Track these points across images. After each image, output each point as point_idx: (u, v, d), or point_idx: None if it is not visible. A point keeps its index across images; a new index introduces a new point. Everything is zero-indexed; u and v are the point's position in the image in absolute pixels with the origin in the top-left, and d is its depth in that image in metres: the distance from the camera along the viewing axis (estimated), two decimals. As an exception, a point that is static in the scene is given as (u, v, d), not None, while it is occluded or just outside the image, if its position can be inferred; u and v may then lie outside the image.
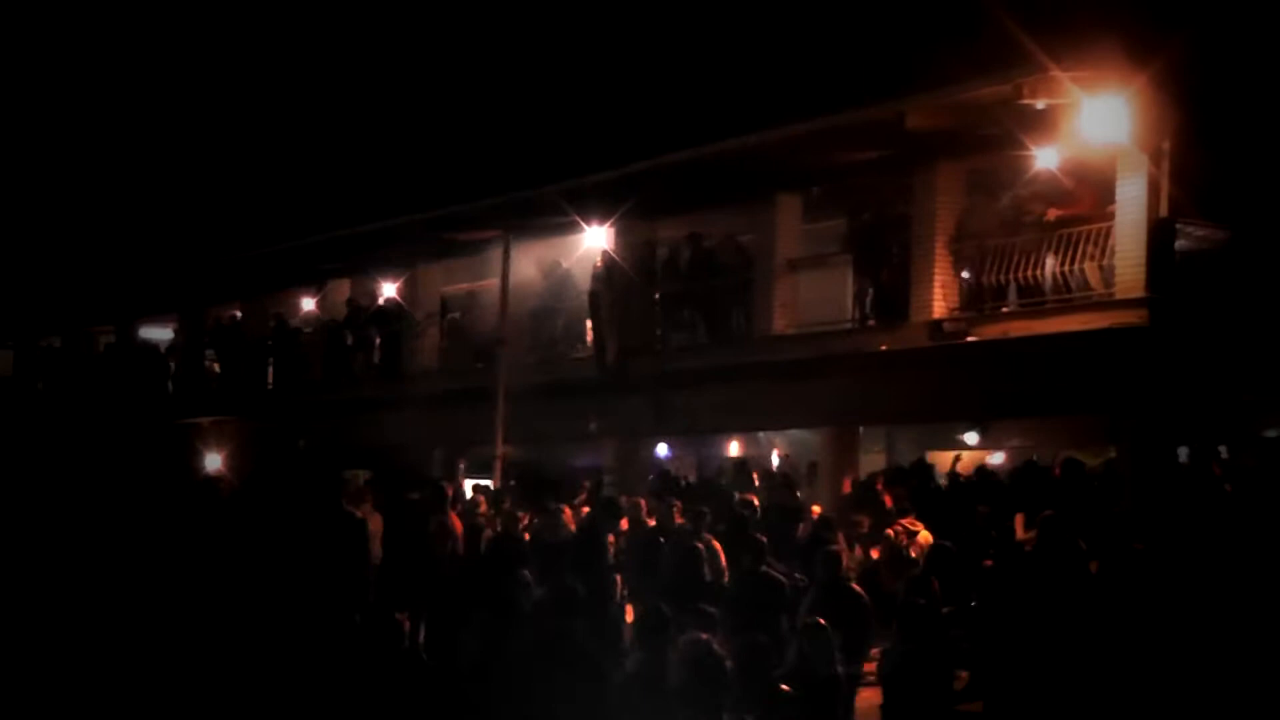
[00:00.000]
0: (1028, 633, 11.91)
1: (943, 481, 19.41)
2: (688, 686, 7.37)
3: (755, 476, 21.42)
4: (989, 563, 14.18)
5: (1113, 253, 17.32)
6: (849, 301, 21.20)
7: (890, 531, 16.17)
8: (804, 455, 23.26)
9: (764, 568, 13.53)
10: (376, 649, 9.45)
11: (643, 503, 17.21)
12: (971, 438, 21.06)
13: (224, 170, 34.13)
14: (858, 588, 13.03)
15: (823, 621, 10.29)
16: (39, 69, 38.22)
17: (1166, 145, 16.93)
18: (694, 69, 23.04)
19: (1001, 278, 18.66)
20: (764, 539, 14.27)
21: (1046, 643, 11.64)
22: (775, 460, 24.36)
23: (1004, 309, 18.78)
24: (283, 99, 33.89)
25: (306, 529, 14.49)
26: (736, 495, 19.34)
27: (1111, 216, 17.38)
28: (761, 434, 24.75)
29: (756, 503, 16.23)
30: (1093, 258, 17.64)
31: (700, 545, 14.52)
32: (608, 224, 21.95)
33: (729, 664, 7.59)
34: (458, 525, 15.20)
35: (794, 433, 23.90)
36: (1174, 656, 11.08)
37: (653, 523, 15.86)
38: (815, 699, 9.70)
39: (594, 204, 21.90)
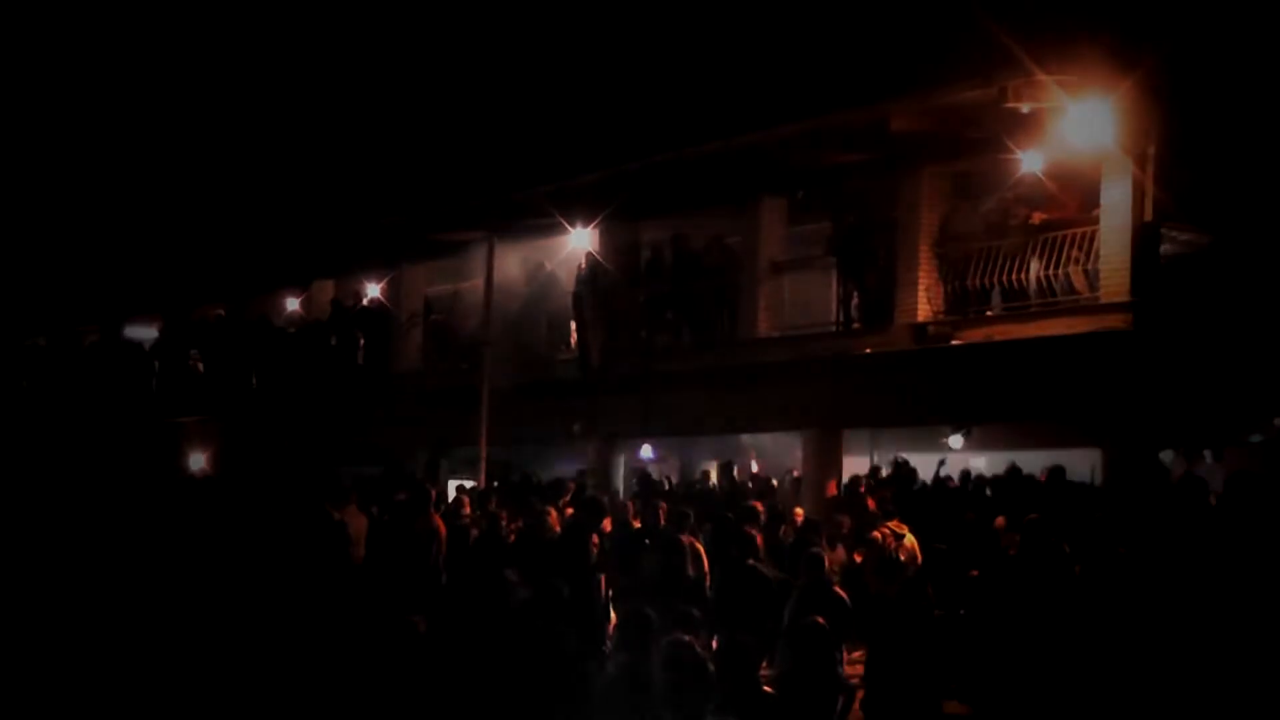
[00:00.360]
0: (1012, 635, 11.91)
1: (927, 484, 19.41)
2: (669, 688, 7.33)
3: (736, 474, 21.45)
4: (975, 573, 14.15)
5: (1097, 256, 17.34)
6: (833, 304, 21.20)
7: (877, 534, 16.12)
8: (788, 458, 23.26)
9: (751, 562, 13.53)
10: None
11: (630, 504, 17.21)
12: (956, 441, 21.07)
13: (209, 170, 34.05)
14: (840, 590, 13.02)
15: (821, 620, 10.24)
16: (25, 69, 38.09)
17: (1151, 149, 16.96)
18: (678, 70, 23.02)
19: (986, 281, 18.67)
20: (755, 534, 14.29)
21: (1031, 644, 11.64)
22: (754, 465, 24.36)
23: (988, 313, 18.79)
24: (268, 99, 33.83)
25: (284, 531, 14.45)
26: (722, 499, 19.31)
27: (1096, 220, 17.40)
28: (745, 436, 24.76)
29: (761, 508, 16.23)
30: (1077, 261, 17.66)
31: (684, 543, 14.50)
32: (592, 225, 21.91)
33: (711, 666, 7.55)
34: (441, 527, 15.13)
35: (778, 435, 23.88)
36: (1158, 658, 11.08)
37: (638, 524, 15.85)
38: (815, 704, 9.64)
39: (578, 205, 21.86)
